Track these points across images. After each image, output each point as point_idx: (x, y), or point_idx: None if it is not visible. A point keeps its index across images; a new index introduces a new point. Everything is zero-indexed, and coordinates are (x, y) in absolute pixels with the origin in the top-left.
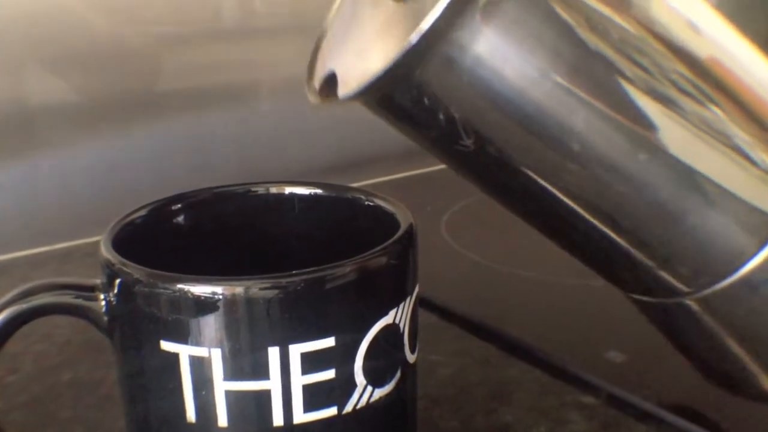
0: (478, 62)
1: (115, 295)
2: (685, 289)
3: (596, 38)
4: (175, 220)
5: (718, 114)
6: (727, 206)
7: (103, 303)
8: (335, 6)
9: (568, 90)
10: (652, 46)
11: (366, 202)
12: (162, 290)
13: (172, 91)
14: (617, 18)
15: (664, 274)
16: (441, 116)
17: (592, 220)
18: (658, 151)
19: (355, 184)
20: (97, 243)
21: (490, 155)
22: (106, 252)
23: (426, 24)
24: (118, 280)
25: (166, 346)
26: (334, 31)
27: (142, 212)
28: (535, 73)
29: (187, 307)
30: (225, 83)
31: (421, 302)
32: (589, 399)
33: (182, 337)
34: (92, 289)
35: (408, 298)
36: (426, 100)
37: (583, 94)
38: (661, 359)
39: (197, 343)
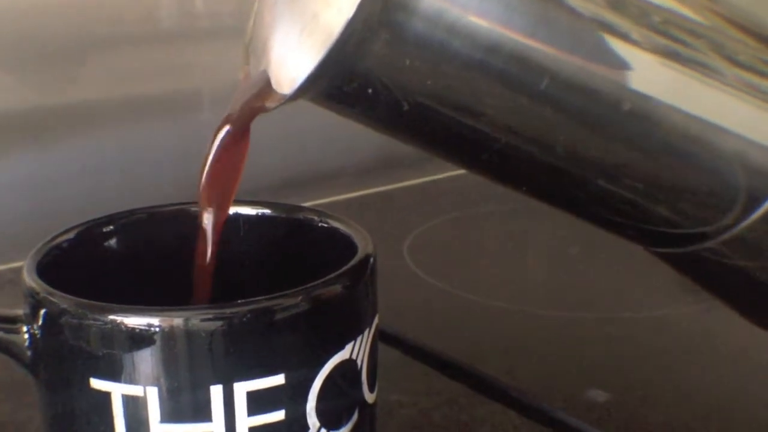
0: (423, 31)
1: (40, 327)
2: (710, 231)
3: None
4: (106, 244)
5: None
6: (741, 144)
7: (26, 336)
8: (254, 10)
9: (536, 45)
10: None
11: (320, 224)
12: (92, 322)
13: (102, 99)
14: None
15: (686, 220)
16: (397, 98)
17: (602, 176)
18: (660, 97)
19: (307, 204)
20: (19, 269)
21: (485, 131)
22: (30, 279)
23: (352, 8)
24: (42, 311)
25: (97, 384)
26: (257, 31)
27: (70, 235)
28: (492, 34)
29: (119, 341)
30: (162, 90)
31: (381, 335)
32: None
33: (115, 374)
34: (14, 320)
35: (366, 331)
36: (371, 90)
37: (553, 48)
38: (649, 398)
39: (131, 381)
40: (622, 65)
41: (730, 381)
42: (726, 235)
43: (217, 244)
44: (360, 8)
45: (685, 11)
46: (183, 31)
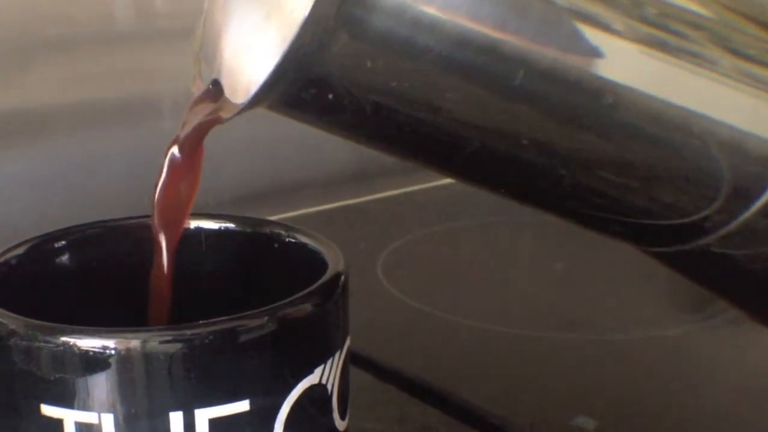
0: (385, 28)
1: None
2: (707, 227)
3: None
4: (58, 260)
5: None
6: (738, 136)
7: None
8: (203, 12)
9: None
10: None
11: (287, 239)
12: (42, 344)
13: (53, 105)
14: None
15: (682, 214)
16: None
17: (590, 171)
18: (649, 88)
19: (274, 217)
20: None
21: (461, 130)
22: None
23: (307, 7)
24: None
25: (48, 410)
26: (208, 36)
27: (19, 251)
28: (460, 27)
29: (72, 365)
30: (118, 96)
31: (353, 358)
32: None
33: (67, 401)
34: None
35: (337, 354)
36: (332, 95)
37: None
38: (640, 426)
39: (85, 408)
40: (601, 54)
41: (727, 407)
42: (723, 231)
43: (172, 264)
44: (315, 6)
45: (684, 2)
46: (141, 32)
